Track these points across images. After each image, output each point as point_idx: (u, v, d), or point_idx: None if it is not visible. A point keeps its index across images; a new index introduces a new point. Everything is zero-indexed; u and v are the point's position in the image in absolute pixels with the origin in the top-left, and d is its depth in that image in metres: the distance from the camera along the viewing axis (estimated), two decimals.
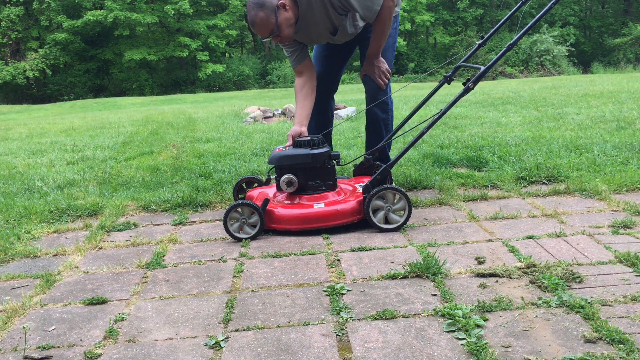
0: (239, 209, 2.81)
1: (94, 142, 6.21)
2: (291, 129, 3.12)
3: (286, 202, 2.99)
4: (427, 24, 31.90)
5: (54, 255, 2.73)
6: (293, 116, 8.13)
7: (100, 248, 2.80)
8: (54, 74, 30.32)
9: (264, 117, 8.24)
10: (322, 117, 3.52)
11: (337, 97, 13.85)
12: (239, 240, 2.79)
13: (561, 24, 32.61)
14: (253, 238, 2.81)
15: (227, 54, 35.38)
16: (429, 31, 34.44)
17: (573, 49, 29.41)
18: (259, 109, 8.56)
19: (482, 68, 2.94)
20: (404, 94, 11.43)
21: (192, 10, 29.14)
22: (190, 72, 31.56)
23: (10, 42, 29.47)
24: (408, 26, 30.73)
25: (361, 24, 3.20)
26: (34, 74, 28.75)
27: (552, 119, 5.98)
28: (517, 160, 3.94)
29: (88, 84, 30.73)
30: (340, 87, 3.81)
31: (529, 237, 2.60)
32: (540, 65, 28.78)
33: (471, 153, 4.23)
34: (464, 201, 3.25)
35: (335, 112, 7.78)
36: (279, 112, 8.58)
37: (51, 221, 3.26)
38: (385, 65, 3.31)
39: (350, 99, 10.94)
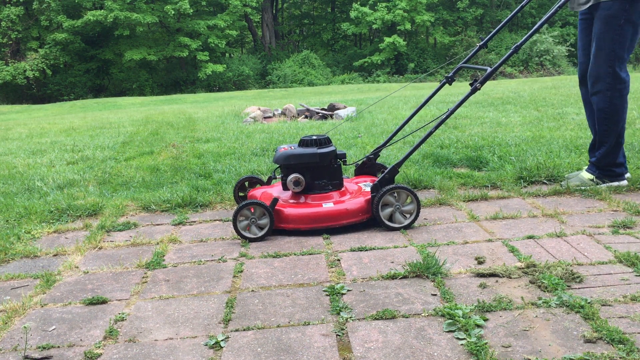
0: (252, 208, 2.79)
1: (94, 142, 6.21)
2: None
3: (291, 201, 2.98)
4: (427, 24, 31.81)
5: (54, 255, 2.73)
6: (293, 116, 8.17)
7: (100, 248, 2.80)
8: (54, 74, 30.28)
9: (264, 117, 8.24)
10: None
11: (337, 97, 13.74)
12: (247, 239, 2.78)
13: (561, 24, 32.60)
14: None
15: (227, 54, 35.36)
16: (429, 31, 34.36)
17: (573, 49, 29.37)
18: (259, 109, 8.55)
19: (489, 69, 2.93)
20: (404, 94, 11.43)
21: (192, 10, 29.12)
22: (190, 72, 31.54)
23: (10, 42, 29.43)
24: (408, 26, 30.67)
25: None
26: (34, 74, 28.72)
27: (552, 119, 5.98)
28: (517, 160, 3.94)
29: (88, 84, 30.71)
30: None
31: (529, 237, 2.60)
32: (540, 65, 28.79)
33: (471, 153, 4.23)
34: (464, 201, 3.25)
35: (335, 112, 7.79)
36: (279, 112, 8.57)
37: (51, 221, 3.26)
38: None
39: (350, 99, 10.95)
